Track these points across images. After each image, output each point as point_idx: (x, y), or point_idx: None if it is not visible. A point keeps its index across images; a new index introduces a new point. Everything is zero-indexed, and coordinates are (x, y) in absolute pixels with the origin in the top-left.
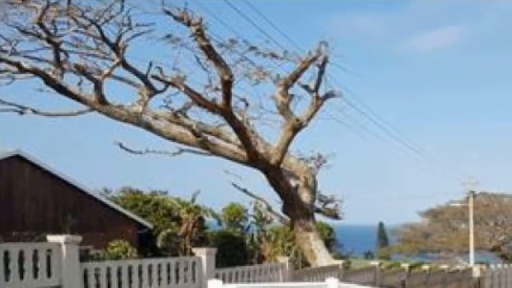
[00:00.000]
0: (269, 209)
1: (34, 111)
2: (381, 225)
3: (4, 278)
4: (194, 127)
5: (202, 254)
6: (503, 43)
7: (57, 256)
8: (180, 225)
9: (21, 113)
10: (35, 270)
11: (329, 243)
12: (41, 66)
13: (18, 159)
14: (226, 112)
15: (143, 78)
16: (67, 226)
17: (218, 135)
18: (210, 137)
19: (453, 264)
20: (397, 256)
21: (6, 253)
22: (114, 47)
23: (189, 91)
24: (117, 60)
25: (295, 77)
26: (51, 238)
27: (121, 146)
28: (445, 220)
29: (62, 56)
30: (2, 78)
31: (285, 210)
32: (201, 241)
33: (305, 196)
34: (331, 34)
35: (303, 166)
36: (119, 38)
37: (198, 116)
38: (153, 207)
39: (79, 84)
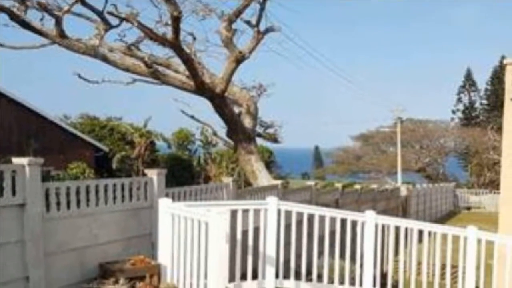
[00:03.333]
0: (215, 133)
1: (0, 45)
2: (316, 148)
3: None
4: (146, 59)
5: (153, 174)
6: None
7: (21, 176)
8: (133, 148)
9: None
10: (1, 189)
11: (269, 165)
12: (7, 4)
13: None
14: (175, 45)
15: (100, 14)
16: (30, 149)
17: (168, 66)
18: (160, 68)
19: (383, 184)
20: (331, 177)
21: None
22: None
23: (141, 26)
24: None
25: (238, 13)
26: (16, 160)
27: (79, 76)
28: (375, 144)
29: None
30: None
31: (229, 134)
32: (153, 163)
33: (247, 122)
34: None
35: (245, 95)
36: None
37: (150, 49)
38: (109, 132)
39: (41, 19)
